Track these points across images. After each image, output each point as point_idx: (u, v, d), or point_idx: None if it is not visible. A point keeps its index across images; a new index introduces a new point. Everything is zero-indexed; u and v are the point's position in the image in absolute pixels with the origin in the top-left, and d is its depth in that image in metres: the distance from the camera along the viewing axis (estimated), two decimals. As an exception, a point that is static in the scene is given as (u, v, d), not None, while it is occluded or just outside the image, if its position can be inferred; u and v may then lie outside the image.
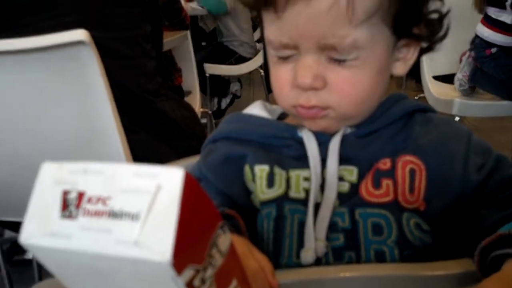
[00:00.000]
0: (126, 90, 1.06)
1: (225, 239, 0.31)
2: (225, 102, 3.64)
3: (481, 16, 2.14)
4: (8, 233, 1.68)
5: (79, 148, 1.04)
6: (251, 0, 0.51)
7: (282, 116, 0.61)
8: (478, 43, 2.12)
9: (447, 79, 2.28)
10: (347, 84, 0.50)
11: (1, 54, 0.92)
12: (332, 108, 0.51)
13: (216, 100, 3.59)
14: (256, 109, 0.60)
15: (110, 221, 0.27)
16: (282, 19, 0.48)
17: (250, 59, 3.40)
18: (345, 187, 0.52)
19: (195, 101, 2.26)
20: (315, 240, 0.50)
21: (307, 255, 0.49)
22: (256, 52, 3.45)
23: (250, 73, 3.53)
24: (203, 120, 2.51)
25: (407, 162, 0.52)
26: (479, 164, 0.51)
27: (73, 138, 1.03)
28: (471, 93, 2.15)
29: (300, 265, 0.50)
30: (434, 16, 0.54)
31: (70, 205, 0.28)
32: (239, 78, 3.70)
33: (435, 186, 0.51)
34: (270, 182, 0.53)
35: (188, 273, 0.28)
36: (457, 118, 2.10)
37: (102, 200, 0.28)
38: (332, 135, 0.54)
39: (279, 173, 0.53)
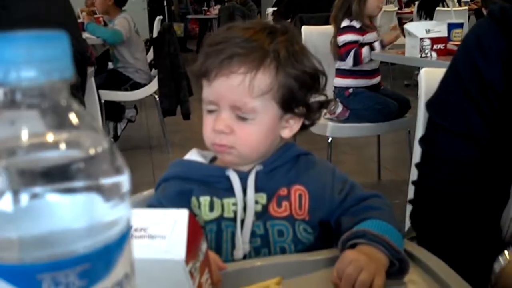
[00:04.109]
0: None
1: (204, 244, 0.56)
2: (120, 127, 3.72)
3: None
4: None
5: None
6: (197, 72, 0.77)
7: (213, 158, 0.86)
8: (338, 88, 2.65)
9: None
10: (246, 134, 0.76)
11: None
12: (235, 148, 0.77)
13: (111, 125, 3.65)
14: (193, 156, 0.84)
15: (149, 240, 0.51)
16: (212, 86, 0.75)
17: (145, 85, 3.54)
18: (259, 207, 0.78)
19: (99, 129, 2.39)
20: (242, 243, 0.76)
21: (238, 253, 0.76)
22: (150, 78, 3.59)
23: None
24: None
25: (297, 190, 0.79)
26: (340, 188, 0.81)
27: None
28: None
29: (233, 260, 0.76)
30: (315, 104, 0.81)
31: (124, 234, 0.51)
32: (134, 104, 3.81)
33: (314, 204, 0.79)
34: (211, 208, 0.78)
35: (190, 265, 0.52)
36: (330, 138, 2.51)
37: (143, 229, 0.51)
38: (249, 172, 0.80)
39: (216, 201, 0.79)
